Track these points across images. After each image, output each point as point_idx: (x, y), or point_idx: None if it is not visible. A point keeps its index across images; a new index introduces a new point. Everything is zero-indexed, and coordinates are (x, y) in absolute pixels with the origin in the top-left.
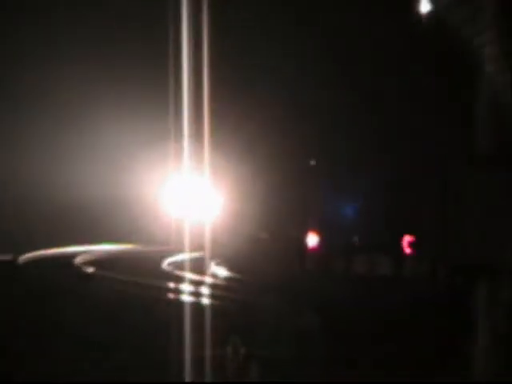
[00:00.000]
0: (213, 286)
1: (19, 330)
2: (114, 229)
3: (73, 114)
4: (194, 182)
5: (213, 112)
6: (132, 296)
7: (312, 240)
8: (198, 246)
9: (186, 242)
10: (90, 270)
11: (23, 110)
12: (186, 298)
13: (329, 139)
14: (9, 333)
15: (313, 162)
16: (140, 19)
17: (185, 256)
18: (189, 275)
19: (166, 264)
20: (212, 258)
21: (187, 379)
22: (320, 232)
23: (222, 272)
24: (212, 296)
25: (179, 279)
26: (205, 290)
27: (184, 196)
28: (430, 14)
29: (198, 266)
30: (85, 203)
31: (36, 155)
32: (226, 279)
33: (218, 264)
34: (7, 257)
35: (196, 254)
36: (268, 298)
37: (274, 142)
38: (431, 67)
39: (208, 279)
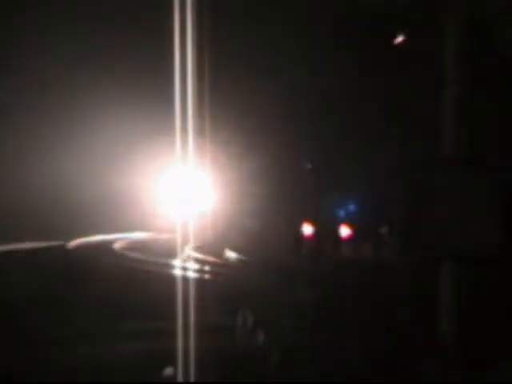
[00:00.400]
0: (225, 266)
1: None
2: (133, 219)
3: (77, 111)
4: (196, 176)
5: (214, 109)
6: (157, 273)
7: (307, 229)
8: (206, 234)
9: (195, 230)
10: (129, 254)
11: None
12: (203, 276)
13: (321, 141)
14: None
15: (309, 166)
16: (146, 14)
17: (195, 242)
18: (206, 258)
19: (182, 248)
20: (221, 244)
21: (203, 344)
22: (314, 223)
23: (233, 255)
24: (224, 274)
25: (198, 261)
26: (218, 269)
27: (187, 189)
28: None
29: (212, 250)
30: (105, 197)
31: (56, 153)
32: (238, 261)
33: (228, 249)
34: (59, 242)
35: (206, 241)
36: (271, 276)
37: (273, 140)
38: (406, 75)
39: (221, 261)
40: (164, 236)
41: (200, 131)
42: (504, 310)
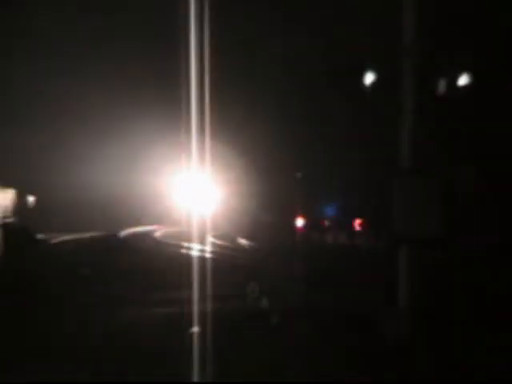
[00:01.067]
0: (235, 250)
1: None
2: (154, 214)
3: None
4: (211, 177)
5: (218, 114)
6: (188, 255)
7: (300, 222)
8: (221, 225)
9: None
10: (166, 240)
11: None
12: (222, 257)
13: (310, 151)
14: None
15: (299, 175)
16: (154, 22)
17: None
18: (224, 243)
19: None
20: (234, 234)
21: (223, 306)
22: (305, 217)
23: (244, 242)
24: (237, 256)
25: (218, 246)
26: (233, 253)
27: (204, 188)
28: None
29: (225, 239)
30: (137, 195)
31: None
32: (246, 246)
33: (239, 238)
34: (112, 232)
35: (218, 232)
36: (272, 257)
37: (271, 150)
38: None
39: (232, 246)
40: (187, 228)
41: (213, 137)
42: (445, 278)
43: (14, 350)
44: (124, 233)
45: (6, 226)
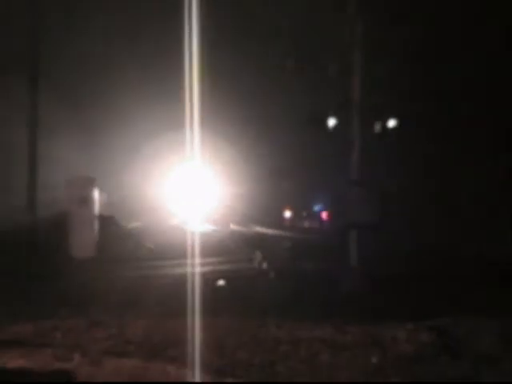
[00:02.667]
0: (248, 231)
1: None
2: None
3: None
4: (210, 176)
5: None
6: (214, 234)
7: (287, 213)
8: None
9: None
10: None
11: None
12: (237, 235)
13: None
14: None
15: (285, 184)
16: (154, 23)
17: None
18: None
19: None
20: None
21: (239, 267)
22: (291, 209)
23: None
24: (247, 234)
25: (233, 228)
26: (244, 232)
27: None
28: None
29: (240, 224)
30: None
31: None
32: (254, 228)
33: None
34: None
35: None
36: (270, 236)
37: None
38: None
39: (245, 229)
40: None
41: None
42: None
43: (93, 298)
44: (173, 220)
45: (101, 216)
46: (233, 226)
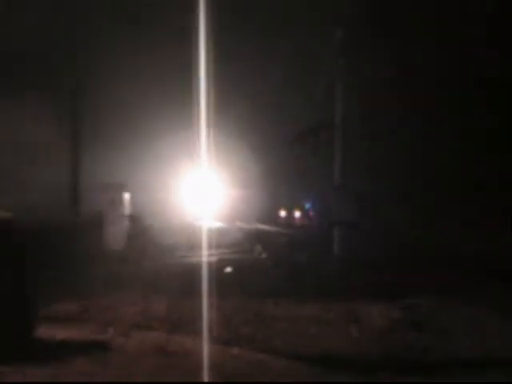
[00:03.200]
0: (250, 227)
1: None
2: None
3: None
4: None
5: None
6: (225, 229)
7: (282, 213)
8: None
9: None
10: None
11: None
12: (242, 231)
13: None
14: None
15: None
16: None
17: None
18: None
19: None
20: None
21: (242, 257)
22: (286, 210)
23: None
24: (250, 230)
25: (238, 225)
26: (247, 228)
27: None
28: None
29: (244, 222)
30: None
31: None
32: (255, 225)
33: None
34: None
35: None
36: (267, 232)
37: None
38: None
39: (248, 226)
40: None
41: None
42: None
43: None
44: (187, 218)
45: (129, 216)
46: (238, 223)
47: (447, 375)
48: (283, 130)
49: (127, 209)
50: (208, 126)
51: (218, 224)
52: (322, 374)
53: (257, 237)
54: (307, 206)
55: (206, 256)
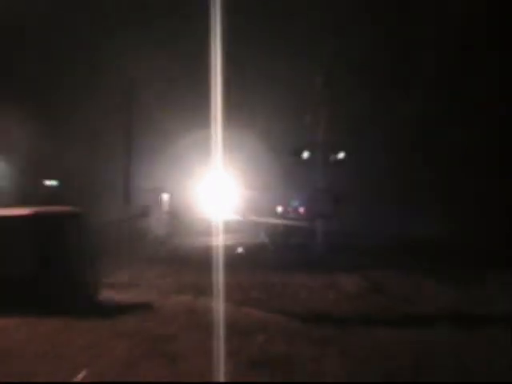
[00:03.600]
0: (252, 221)
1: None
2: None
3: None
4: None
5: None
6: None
7: (279, 208)
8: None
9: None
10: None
11: None
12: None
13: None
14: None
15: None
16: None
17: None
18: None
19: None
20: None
21: (251, 241)
22: (283, 206)
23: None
24: (255, 221)
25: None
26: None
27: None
28: None
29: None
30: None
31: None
32: (257, 219)
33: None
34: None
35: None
36: (269, 223)
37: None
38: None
39: (254, 218)
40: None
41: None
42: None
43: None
44: (209, 211)
45: (168, 211)
46: (248, 216)
47: (401, 325)
48: (283, 146)
49: (166, 206)
50: (226, 143)
51: (233, 217)
52: (306, 326)
53: (261, 226)
54: (296, 203)
55: (223, 240)
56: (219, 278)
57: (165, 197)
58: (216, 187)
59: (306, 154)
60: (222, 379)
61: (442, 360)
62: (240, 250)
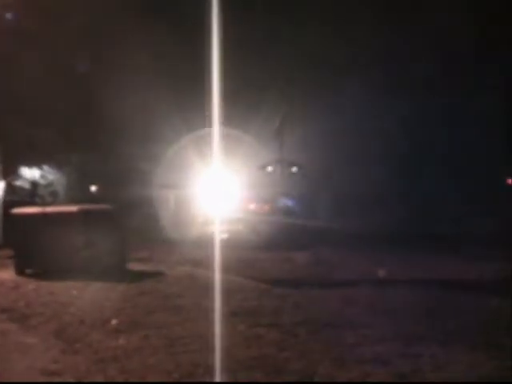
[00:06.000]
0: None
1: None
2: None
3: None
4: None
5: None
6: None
7: (251, 205)
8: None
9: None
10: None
11: None
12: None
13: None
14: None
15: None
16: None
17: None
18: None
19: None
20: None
21: (254, 230)
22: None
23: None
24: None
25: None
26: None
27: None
28: None
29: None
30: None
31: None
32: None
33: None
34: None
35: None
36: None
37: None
38: None
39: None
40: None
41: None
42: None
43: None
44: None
45: (175, 205)
46: (245, 211)
47: (331, 286)
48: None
49: (173, 200)
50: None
51: (233, 211)
52: (271, 287)
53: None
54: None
55: (223, 229)
56: (216, 254)
57: (176, 192)
58: (223, 186)
59: (269, 169)
60: (211, 325)
61: (353, 307)
62: (225, 236)
